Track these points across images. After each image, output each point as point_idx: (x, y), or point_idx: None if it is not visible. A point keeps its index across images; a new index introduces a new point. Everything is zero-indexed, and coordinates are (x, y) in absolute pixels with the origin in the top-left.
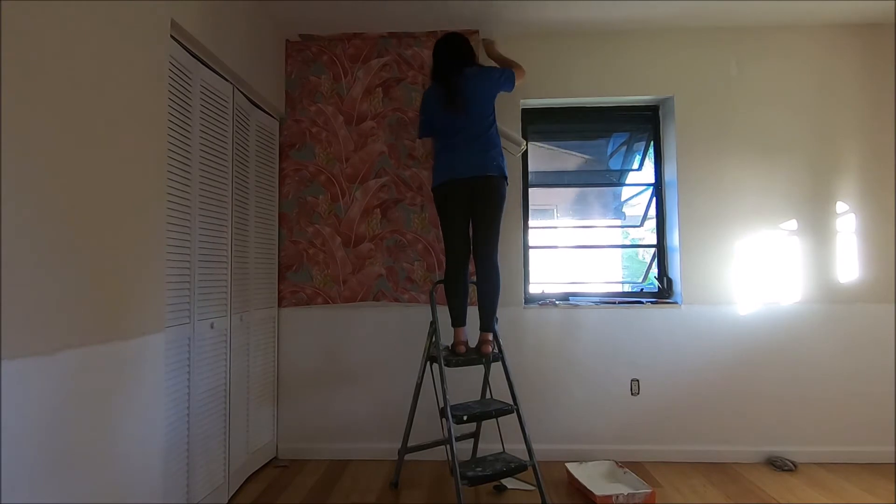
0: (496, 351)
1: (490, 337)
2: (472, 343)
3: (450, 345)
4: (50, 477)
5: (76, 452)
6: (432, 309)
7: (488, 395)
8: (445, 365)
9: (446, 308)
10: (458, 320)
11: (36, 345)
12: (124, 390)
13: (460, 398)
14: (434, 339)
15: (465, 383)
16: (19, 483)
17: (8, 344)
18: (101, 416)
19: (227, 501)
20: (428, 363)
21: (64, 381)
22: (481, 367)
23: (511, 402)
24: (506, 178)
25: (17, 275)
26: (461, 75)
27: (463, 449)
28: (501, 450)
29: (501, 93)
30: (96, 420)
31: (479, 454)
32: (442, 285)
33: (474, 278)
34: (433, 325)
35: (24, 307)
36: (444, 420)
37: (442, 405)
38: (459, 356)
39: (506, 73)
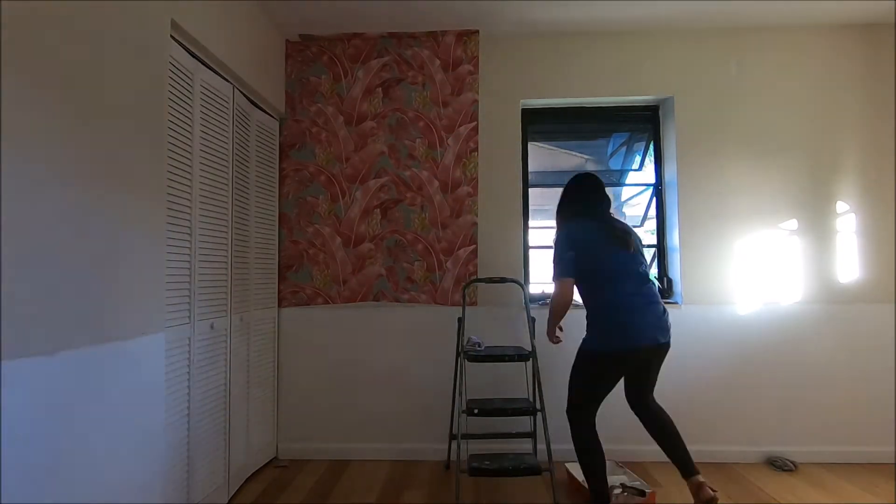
0: (714, 492)
1: (701, 478)
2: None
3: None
4: (50, 477)
5: (76, 452)
6: (462, 307)
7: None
8: (467, 360)
9: (472, 307)
10: (601, 498)
11: (36, 345)
12: (124, 390)
13: (497, 394)
14: (460, 334)
15: (508, 379)
16: (19, 483)
17: (8, 344)
18: (101, 417)
19: (227, 501)
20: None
21: (64, 381)
22: (517, 364)
23: (533, 403)
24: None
25: (17, 275)
26: (613, 218)
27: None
28: (532, 451)
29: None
30: (96, 420)
31: (519, 452)
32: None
33: None
34: (461, 321)
35: (24, 307)
36: (459, 415)
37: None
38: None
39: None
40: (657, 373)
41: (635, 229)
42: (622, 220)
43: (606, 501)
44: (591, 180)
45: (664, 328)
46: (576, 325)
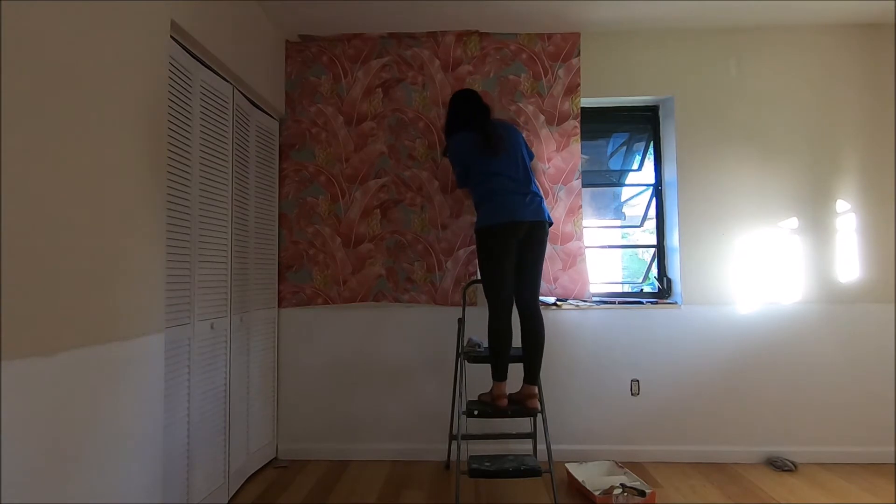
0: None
1: (536, 391)
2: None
3: (483, 397)
4: (50, 477)
5: (76, 452)
6: (462, 308)
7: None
8: (467, 360)
9: (472, 308)
10: (503, 373)
11: (36, 345)
12: (124, 391)
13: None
14: (460, 335)
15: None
16: (19, 483)
17: (8, 344)
18: (101, 417)
19: (227, 502)
20: (461, 359)
21: (64, 382)
22: (517, 364)
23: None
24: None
25: (17, 275)
26: (491, 123)
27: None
28: (532, 452)
29: None
30: (96, 420)
31: (519, 453)
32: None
33: None
34: (461, 322)
35: (23, 307)
36: (460, 416)
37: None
38: (501, 410)
39: (526, 144)
40: (538, 264)
41: (637, 229)
42: (504, 123)
43: (504, 377)
44: (466, 95)
45: (541, 210)
46: (572, 327)
